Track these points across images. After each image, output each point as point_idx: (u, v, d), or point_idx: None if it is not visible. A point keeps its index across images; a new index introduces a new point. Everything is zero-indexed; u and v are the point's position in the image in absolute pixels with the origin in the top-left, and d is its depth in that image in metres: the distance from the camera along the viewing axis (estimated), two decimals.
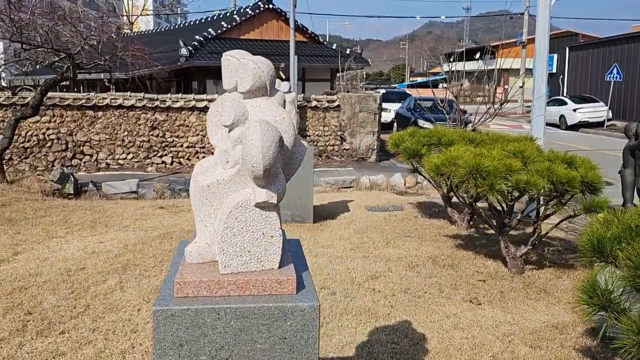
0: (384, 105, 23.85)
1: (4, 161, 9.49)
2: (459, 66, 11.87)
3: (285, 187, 1.83)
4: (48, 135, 12.73)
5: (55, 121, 12.73)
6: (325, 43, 22.46)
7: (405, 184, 10.99)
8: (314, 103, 14.75)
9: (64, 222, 6.77)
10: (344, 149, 15.08)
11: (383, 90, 27.78)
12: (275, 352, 1.71)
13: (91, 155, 13.02)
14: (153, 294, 4.38)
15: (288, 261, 1.91)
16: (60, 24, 8.32)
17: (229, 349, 1.69)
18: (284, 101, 1.91)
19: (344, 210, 7.99)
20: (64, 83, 20.14)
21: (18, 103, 11.91)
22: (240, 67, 1.85)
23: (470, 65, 13.04)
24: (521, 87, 28.79)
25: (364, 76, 41.80)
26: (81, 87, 23.00)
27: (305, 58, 20.28)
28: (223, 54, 1.96)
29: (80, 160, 12.96)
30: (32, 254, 5.38)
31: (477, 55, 12.52)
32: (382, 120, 23.05)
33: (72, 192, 9.05)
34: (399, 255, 5.78)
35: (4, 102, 12.10)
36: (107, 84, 16.85)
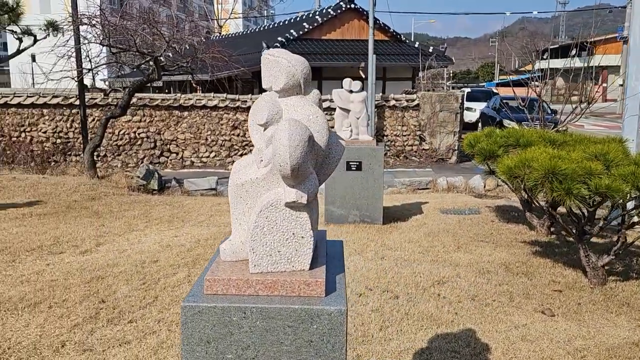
0: (469, 104, 23.14)
1: (96, 158, 10.19)
2: (553, 63, 11.26)
3: (317, 188, 1.79)
4: (138, 134, 13.47)
5: (145, 121, 13.45)
6: (407, 41, 22.13)
7: (485, 187, 10.59)
8: (392, 102, 14.58)
9: (145, 216, 7.12)
10: (423, 149, 14.78)
11: (468, 89, 26.96)
12: (302, 355, 1.69)
13: (177, 153, 13.64)
14: None
15: (321, 263, 1.88)
16: (146, 28, 8.78)
17: (255, 348, 1.68)
18: (319, 99, 1.86)
19: (417, 212, 7.82)
20: (156, 84, 21.25)
21: (112, 104, 12.70)
22: (274, 65, 1.84)
23: (564, 63, 12.32)
24: (621, 85, 26.92)
25: (451, 75, 40.75)
26: (171, 89, 24.19)
27: (386, 57, 20.11)
28: (263, 52, 1.95)
29: (167, 157, 13.61)
30: (113, 246, 5.71)
31: (573, 52, 11.80)
32: (467, 120, 22.38)
33: (156, 188, 9.51)
34: (469, 261, 5.56)
35: (98, 103, 12.95)
36: (194, 85, 17.58)
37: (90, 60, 9.10)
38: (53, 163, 11.96)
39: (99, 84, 20.00)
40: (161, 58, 8.94)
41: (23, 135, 13.10)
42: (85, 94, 11.46)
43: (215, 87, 14.02)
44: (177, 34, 9.44)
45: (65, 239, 5.88)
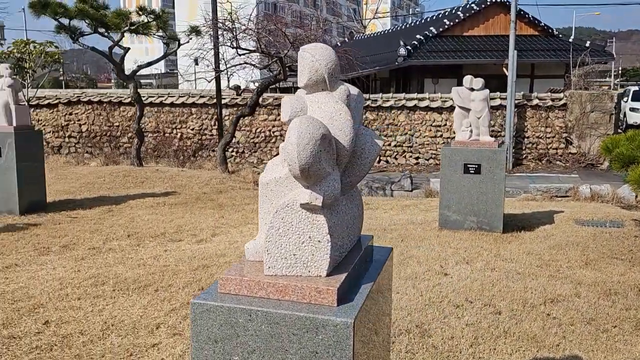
0: (635, 104, 20.65)
1: (234, 154, 10.88)
2: None
3: (336, 190, 1.68)
4: (273, 132, 14.10)
5: (279, 119, 14.03)
6: (560, 36, 20.43)
7: (637, 197, 9.39)
8: (535, 101, 13.56)
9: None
10: (570, 153, 13.56)
11: (635, 87, 24.16)
12: None
13: None
14: None
15: (344, 270, 1.76)
16: (276, 29, 9.13)
17: (260, 353, 1.63)
18: (346, 96, 1.74)
19: (547, 222, 7.16)
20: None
21: (240, 103, 13.45)
22: (300, 60, 1.76)
23: None
24: None
25: (619, 72, 36.75)
26: None
27: (534, 53, 18.78)
28: (300, 48, 1.88)
29: None
30: (226, 237, 6.01)
31: None
32: (631, 121, 19.99)
33: None
34: (595, 279, 4.95)
35: (229, 103, 13.77)
36: None
37: (225, 62, 9.69)
38: (193, 158, 12.98)
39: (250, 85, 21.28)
40: (286, 58, 9.24)
41: (174, 131, 14.40)
42: (227, 94, 12.27)
43: (355, 85, 14.16)
44: (305, 34, 9.66)
45: (187, 227, 6.31)
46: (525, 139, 13.65)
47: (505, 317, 4.11)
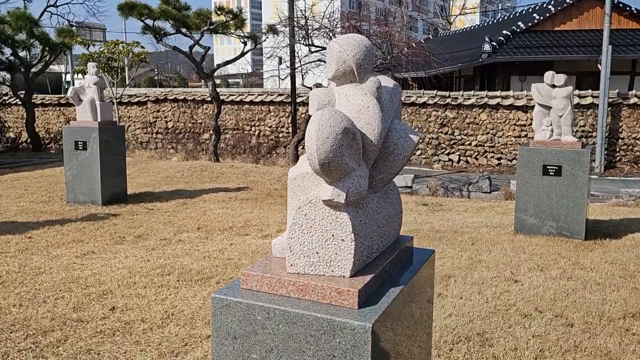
0: None
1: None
2: None
3: (362, 187, 1.60)
4: None
5: None
6: None
7: None
8: (632, 100, 12.57)
9: None
10: None
11: None
12: None
13: None
14: None
15: (370, 272, 1.67)
16: (350, 26, 9.06)
17: (278, 353, 1.58)
18: (376, 88, 1.63)
19: (637, 230, 6.60)
20: None
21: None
22: (328, 51, 1.69)
23: None
24: None
25: None
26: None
27: (635, 48, 17.43)
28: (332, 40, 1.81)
29: None
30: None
31: None
32: None
33: None
34: None
35: (306, 101, 13.85)
36: (409, 82, 17.63)
37: (300, 60, 9.76)
38: (268, 155, 13.20)
39: None
40: None
41: (253, 129, 14.73)
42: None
43: (437, 83, 13.83)
44: (387, 31, 9.51)
45: (254, 222, 6.41)
46: (620, 140, 12.70)
47: (578, 330, 3.81)
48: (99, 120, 6.94)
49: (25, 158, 11.72)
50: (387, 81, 1.83)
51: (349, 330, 1.48)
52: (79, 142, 6.91)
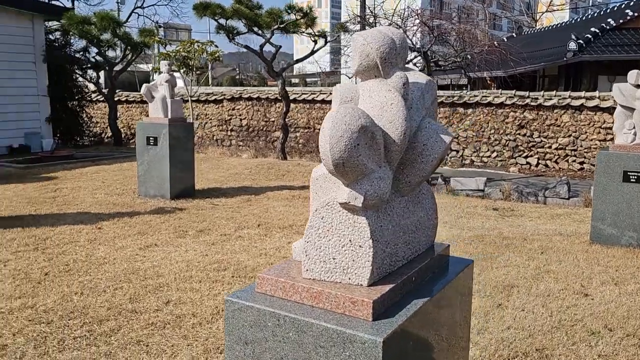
0: None
1: None
2: None
3: (382, 190, 1.48)
4: None
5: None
6: None
7: None
8: None
9: None
10: None
11: None
12: None
13: (457, 151, 13.42)
14: None
15: (392, 281, 1.56)
16: (420, 23, 8.82)
17: None
18: (402, 84, 1.51)
19: None
20: (462, 82, 21.21)
21: None
22: (352, 45, 1.59)
23: None
24: None
25: None
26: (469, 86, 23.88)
27: None
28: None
29: (448, 155, 13.53)
30: None
31: None
32: None
33: None
34: None
35: None
36: (488, 81, 17.01)
37: None
38: None
39: None
40: (431, 53, 8.88)
41: None
42: None
43: (518, 82, 13.26)
44: (468, 28, 9.18)
45: None
46: None
47: None
48: (169, 117, 7.17)
49: (107, 152, 12.37)
50: (419, 77, 1.70)
51: (359, 344, 1.38)
52: (150, 138, 7.17)
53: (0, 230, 5.66)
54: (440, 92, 13.73)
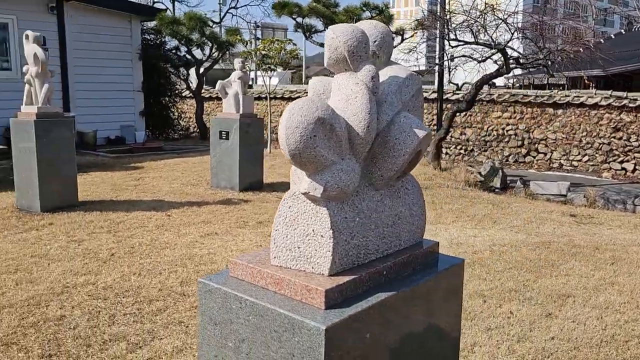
0: None
1: (463, 152, 10.53)
2: None
3: (344, 182, 1.49)
4: (507, 131, 13.20)
5: (515, 117, 13.06)
6: None
7: None
8: None
9: (460, 211, 7.02)
10: None
11: None
12: None
13: (545, 154, 12.77)
14: (472, 297, 4.13)
15: (356, 273, 1.57)
16: (498, 20, 8.46)
17: (248, 344, 1.55)
18: (371, 77, 1.48)
19: None
20: (552, 80, 20.20)
21: (485, 99, 12.82)
22: (325, 39, 1.61)
23: None
24: None
25: None
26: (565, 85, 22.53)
27: None
28: None
29: (534, 157, 12.90)
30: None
31: None
32: None
33: (498, 186, 9.20)
34: None
35: (450, 97, 13.25)
36: (586, 81, 15.99)
37: (446, 55, 9.38)
38: None
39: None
40: (510, 50, 8.49)
41: None
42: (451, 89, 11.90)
43: (610, 84, 12.42)
44: (574, 25, 8.70)
45: None
46: None
47: None
48: (241, 112, 7.45)
49: (192, 145, 13.04)
50: (398, 71, 1.69)
51: (305, 331, 1.41)
52: (223, 132, 7.48)
53: (82, 213, 6.18)
54: (530, 92, 13.12)
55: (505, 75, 20.48)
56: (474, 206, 7.38)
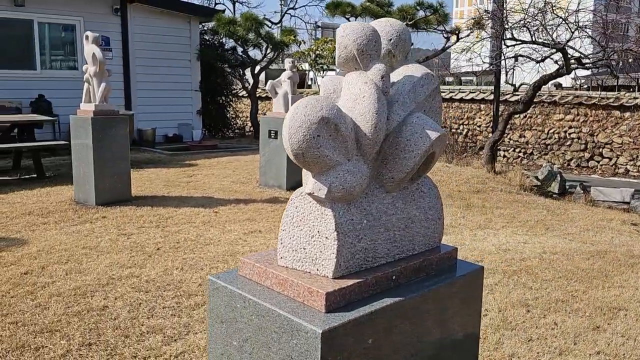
0: None
1: (522, 155, 10.19)
2: None
3: (350, 183, 1.46)
4: (569, 134, 12.65)
5: (578, 120, 12.50)
6: None
7: None
8: None
9: (511, 216, 6.78)
10: None
11: None
12: None
13: (610, 159, 12.15)
14: (515, 306, 3.97)
15: (362, 276, 1.53)
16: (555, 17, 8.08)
17: (251, 343, 1.55)
18: (381, 76, 1.40)
19: None
20: (622, 82, 19.21)
21: (546, 101, 12.33)
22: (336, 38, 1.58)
23: None
24: None
25: None
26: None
27: None
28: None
29: (597, 162, 12.30)
30: (452, 237, 5.73)
31: None
32: None
33: (556, 191, 8.82)
34: None
35: (509, 99, 12.78)
36: None
37: (503, 54, 9.08)
38: (476, 154, 12.61)
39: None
40: (571, 50, 8.10)
41: (461, 127, 14.25)
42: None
43: None
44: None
45: None
46: None
47: None
48: None
49: (247, 144, 13.25)
50: (414, 70, 1.64)
51: (302, 333, 1.39)
52: (272, 131, 7.56)
53: (134, 207, 6.40)
54: (594, 94, 12.52)
55: (573, 76, 19.71)
56: (527, 211, 7.11)
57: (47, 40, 11.44)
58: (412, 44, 8.32)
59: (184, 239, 5.33)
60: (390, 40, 1.66)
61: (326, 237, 1.51)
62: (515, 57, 9.20)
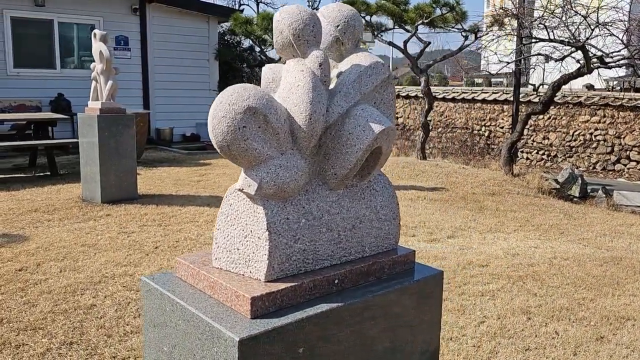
0: None
1: (545, 157, 9.86)
2: None
3: (283, 179, 1.34)
4: (594, 136, 12.26)
5: (604, 122, 12.10)
6: None
7: None
8: None
9: (525, 220, 6.55)
10: None
11: None
12: None
13: (638, 162, 11.72)
14: (516, 314, 3.79)
15: (297, 280, 1.41)
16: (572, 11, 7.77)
17: (179, 349, 1.44)
18: (318, 64, 1.29)
19: None
20: None
21: (572, 102, 11.98)
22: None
23: None
24: None
25: None
26: None
27: None
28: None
29: (625, 165, 11.88)
30: (462, 240, 5.54)
31: None
32: None
33: (577, 195, 8.52)
34: None
35: (530, 100, 12.43)
36: None
37: (522, 53, 8.81)
38: (479, 155, 12.34)
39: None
40: (591, 48, 7.79)
41: (483, 128, 13.95)
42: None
43: None
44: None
45: (429, 224, 6.08)
46: None
47: None
48: None
49: None
50: (362, 59, 1.52)
51: (222, 341, 1.28)
52: None
53: (139, 205, 6.39)
54: (621, 94, 12.10)
55: (605, 77, 19.14)
56: (542, 215, 6.85)
57: (67, 40, 11.59)
58: (429, 43, 8.05)
59: (184, 238, 5.28)
60: (338, 26, 1.54)
61: (258, 237, 1.40)
62: (537, 55, 8.91)
